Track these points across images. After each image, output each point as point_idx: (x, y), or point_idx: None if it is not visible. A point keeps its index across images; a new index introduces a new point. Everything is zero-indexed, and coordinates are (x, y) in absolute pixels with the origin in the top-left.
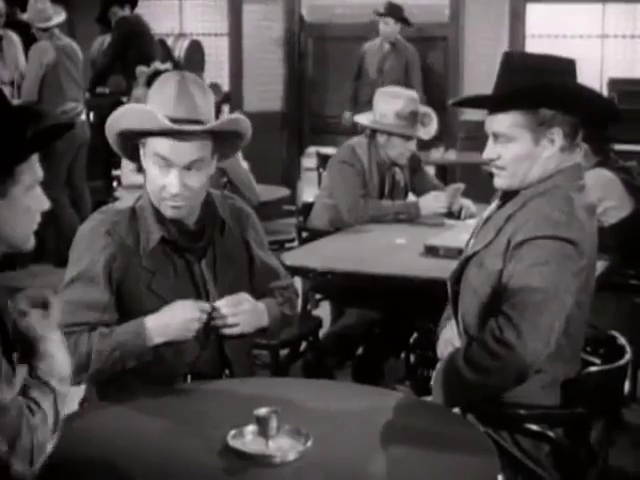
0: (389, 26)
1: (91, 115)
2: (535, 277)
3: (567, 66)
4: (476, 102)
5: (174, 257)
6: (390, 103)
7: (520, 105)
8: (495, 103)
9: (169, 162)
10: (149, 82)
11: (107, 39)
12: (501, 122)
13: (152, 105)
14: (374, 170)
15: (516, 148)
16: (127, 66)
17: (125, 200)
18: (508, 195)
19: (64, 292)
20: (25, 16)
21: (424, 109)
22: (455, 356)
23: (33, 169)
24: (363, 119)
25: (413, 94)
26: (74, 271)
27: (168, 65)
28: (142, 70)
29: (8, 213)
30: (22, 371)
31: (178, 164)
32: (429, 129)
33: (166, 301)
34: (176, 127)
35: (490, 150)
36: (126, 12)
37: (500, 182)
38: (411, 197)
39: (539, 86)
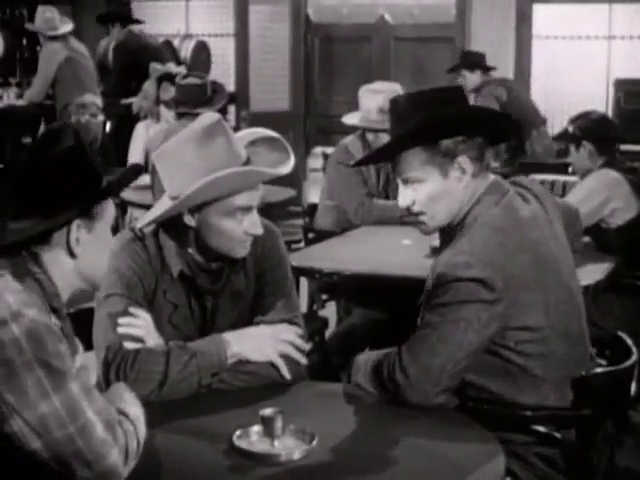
0: (467, 79)
1: (108, 124)
2: (434, 316)
3: (455, 94)
4: (375, 157)
5: (190, 292)
6: (372, 99)
7: (413, 144)
8: (388, 152)
9: (249, 209)
10: (160, 81)
11: (112, 42)
12: (405, 166)
13: (202, 167)
14: (371, 167)
15: (428, 188)
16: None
17: (143, 219)
18: (445, 237)
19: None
20: (33, 25)
21: None
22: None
23: (111, 209)
24: (351, 119)
25: (395, 87)
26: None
27: (182, 68)
28: (155, 67)
29: (93, 248)
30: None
31: (255, 206)
32: None
33: (183, 334)
34: (276, 172)
35: (403, 197)
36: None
37: (425, 228)
38: None
39: (425, 119)
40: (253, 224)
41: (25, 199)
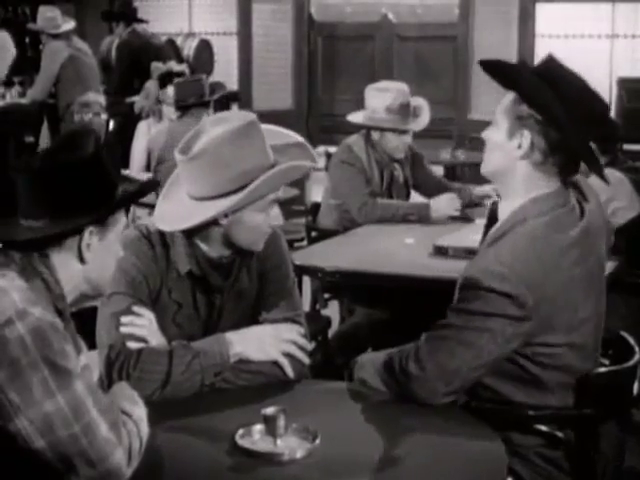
0: None
1: (111, 122)
2: (458, 320)
3: (599, 106)
4: (495, 72)
5: (197, 290)
6: (379, 98)
7: (493, 75)
8: (487, 68)
9: (277, 201)
10: (161, 80)
11: (116, 40)
12: (499, 104)
13: (240, 168)
14: (374, 167)
15: (493, 132)
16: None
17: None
18: (489, 224)
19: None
20: (35, 25)
21: (417, 101)
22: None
23: (122, 219)
24: (356, 117)
25: (402, 86)
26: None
27: (184, 66)
28: (157, 66)
29: (102, 255)
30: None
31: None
32: (419, 121)
33: (187, 334)
34: (315, 164)
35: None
36: (124, 27)
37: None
38: (419, 197)
39: (516, 67)
40: (277, 216)
41: (40, 199)
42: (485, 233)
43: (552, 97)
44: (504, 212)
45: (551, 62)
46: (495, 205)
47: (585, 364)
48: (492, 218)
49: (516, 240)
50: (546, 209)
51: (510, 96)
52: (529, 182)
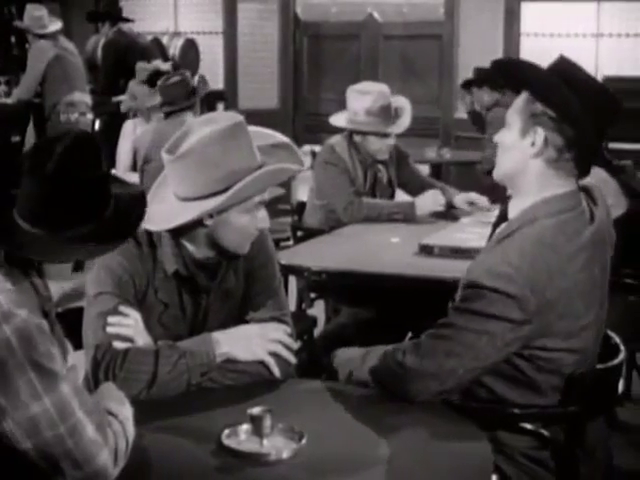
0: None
1: (97, 122)
2: (459, 319)
3: (606, 102)
4: (502, 75)
5: (183, 290)
6: (360, 100)
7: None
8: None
9: (264, 203)
10: (150, 80)
11: (102, 39)
12: (512, 106)
13: (228, 168)
14: (358, 167)
15: (506, 134)
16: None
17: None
18: (497, 223)
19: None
20: (21, 23)
21: (399, 101)
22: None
23: None
24: (338, 120)
25: (383, 88)
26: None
27: (169, 65)
28: (143, 66)
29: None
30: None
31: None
32: (400, 123)
33: (172, 334)
34: (302, 168)
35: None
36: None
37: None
38: (404, 196)
39: (520, 63)
40: (264, 219)
41: (43, 206)
42: (493, 231)
43: (568, 94)
44: (514, 210)
45: (563, 62)
46: (506, 205)
47: (581, 368)
48: (502, 218)
49: (524, 241)
50: (556, 211)
51: (522, 96)
52: (542, 180)
